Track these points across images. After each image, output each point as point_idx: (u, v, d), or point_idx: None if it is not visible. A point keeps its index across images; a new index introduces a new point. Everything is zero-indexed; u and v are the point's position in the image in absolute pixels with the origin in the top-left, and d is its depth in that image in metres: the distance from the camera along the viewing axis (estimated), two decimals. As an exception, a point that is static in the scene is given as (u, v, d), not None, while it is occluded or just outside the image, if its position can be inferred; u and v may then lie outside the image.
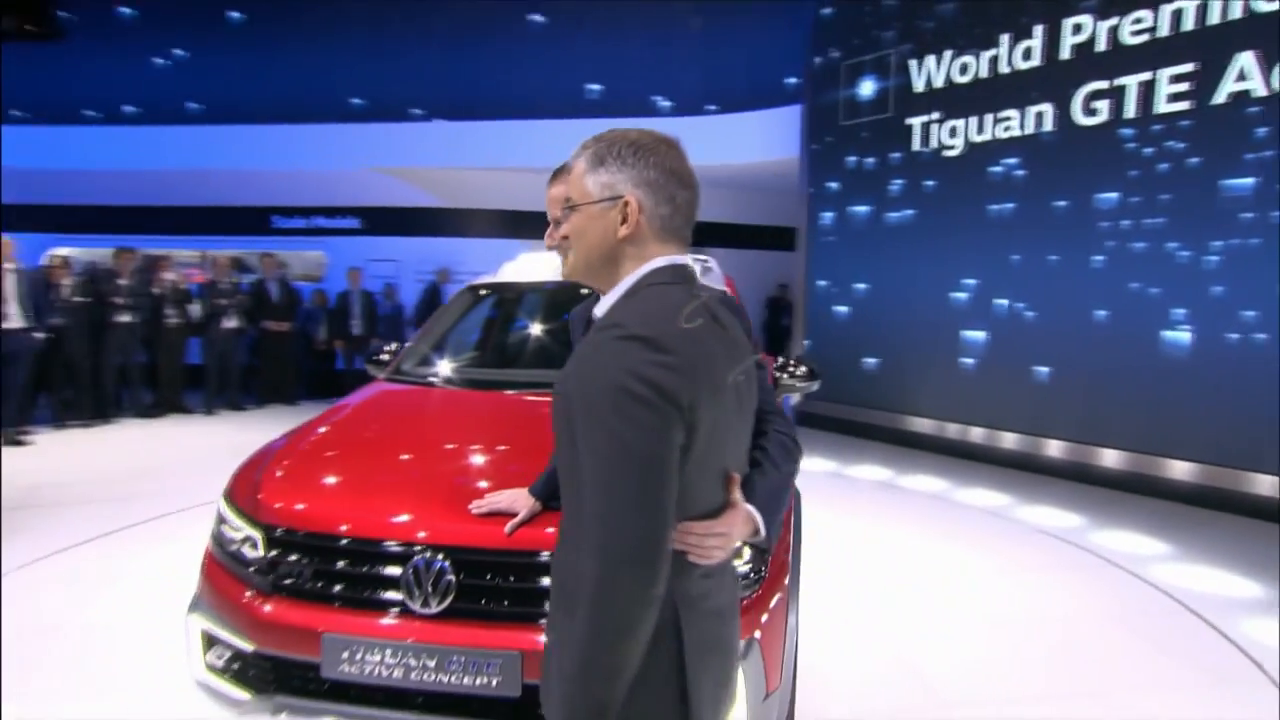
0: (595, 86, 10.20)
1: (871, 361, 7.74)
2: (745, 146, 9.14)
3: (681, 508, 1.18)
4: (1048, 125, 6.37)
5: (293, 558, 2.17)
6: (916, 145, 7.25)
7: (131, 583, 3.91)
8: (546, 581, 1.98)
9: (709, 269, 4.01)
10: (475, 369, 3.66)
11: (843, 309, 8.03)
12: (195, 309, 8.38)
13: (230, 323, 8.38)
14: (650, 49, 10.21)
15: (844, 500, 5.78)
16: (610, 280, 1.31)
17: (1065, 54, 6.26)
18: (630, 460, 1.09)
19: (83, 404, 7.72)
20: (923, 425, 7.28)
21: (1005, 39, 6.62)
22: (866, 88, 7.66)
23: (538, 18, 10.45)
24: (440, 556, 2.04)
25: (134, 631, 3.34)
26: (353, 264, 9.62)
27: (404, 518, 2.14)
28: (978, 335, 6.84)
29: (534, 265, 4.08)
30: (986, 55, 6.76)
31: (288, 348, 8.89)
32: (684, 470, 1.16)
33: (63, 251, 9.71)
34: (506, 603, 2.04)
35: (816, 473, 6.57)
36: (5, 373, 6.79)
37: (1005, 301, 6.66)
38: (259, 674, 2.16)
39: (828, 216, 8.12)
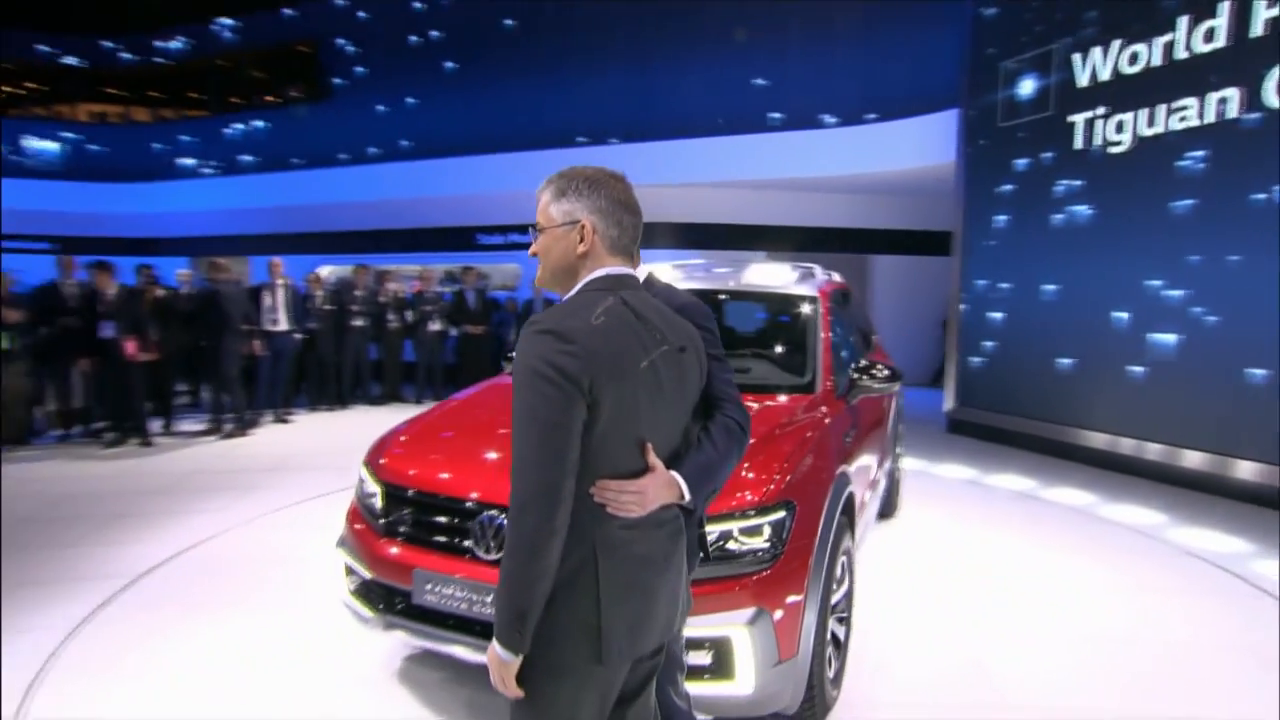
0: (759, 103, 10.37)
1: (1026, 367, 7.25)
2: (902, 153, 8.88)
3: (595, 466, 1.45)
4: (1232, 112, 5.67)
5: (399, 509, 2.72)
6: (1079, 143, 6.70)
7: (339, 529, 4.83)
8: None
9: (809, 274, 4.16)
10: None
11: (997, 314, 7.59)
12: (409, 315, 9.70)
13: (434, 326, 9.61)
14: (810, 63, 10.21)
15: (976, 508, 5.56)
16: (570, 288, 1.59)
17: (1258, 29, 5.54)
18: (537, 425, 1.39)
19: (328, 393, 9.26)
20: (1081, 436, 6.71)
21: (1184, 21, 5.97)
22: (1026, 86, 7.19)
23: (703, 43, 10.84)
24: (499, 514, 2.47)
25: (330, 564, 4.17)
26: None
27: (474, 482, 2.61)
28: (1148, 342, 6.20)
29: (659, 273, 4.45)
30: (1160, 41, 6.12)
31: (484, 348, 9.98)
32: (593, 435, 1.42)
33: (323, 270, 11.62)
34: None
35: (952, 479, 6.33)
36: (275, 367, 8.37)
37: (1179, 306, 5.98)
38: (376, 597, 2.72)
39: (983, 220, 7.71)
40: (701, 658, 2.39)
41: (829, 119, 9.96)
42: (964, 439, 7.78)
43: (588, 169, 1.62)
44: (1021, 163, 7.27)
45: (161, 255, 14.10)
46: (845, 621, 3.15)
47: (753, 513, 2.49)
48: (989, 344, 7.66)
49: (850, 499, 3.12)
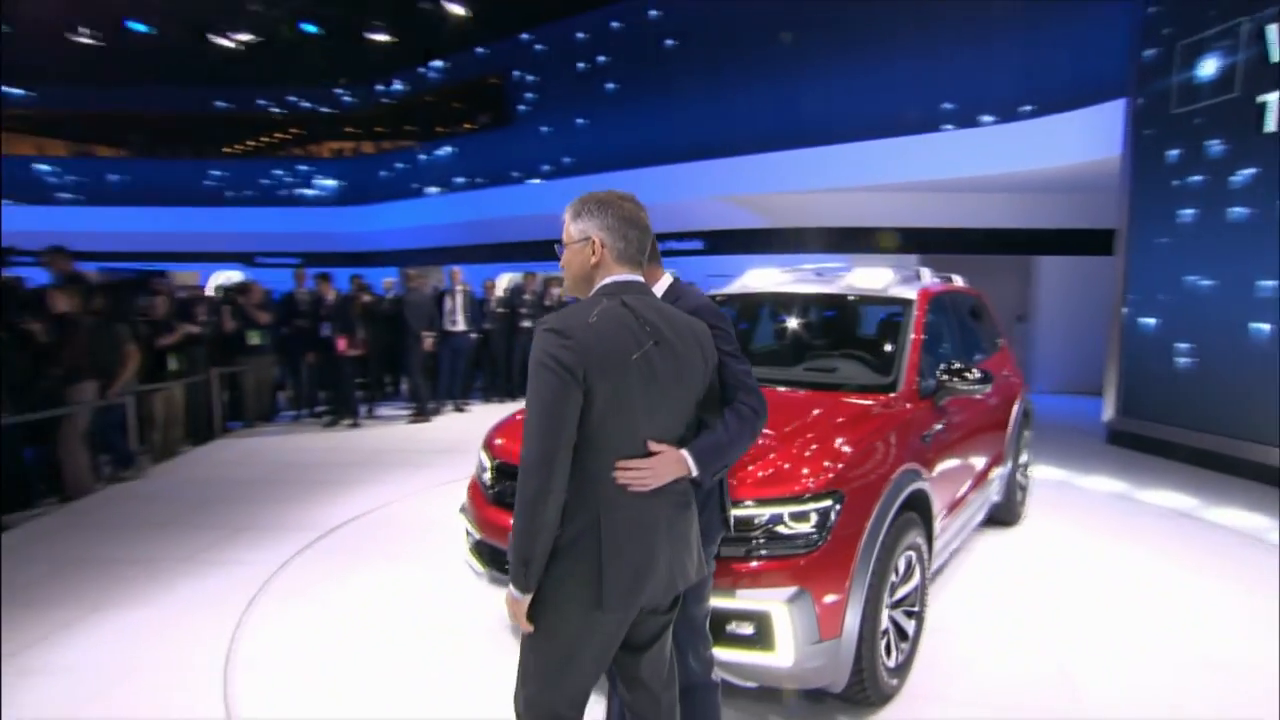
0: (912, 103, 9.98)
1: (1195, 375, 6.46)
2: (1064, 148, 8.16)
3: (597, 442, 1.71)
4: None
5: (504, 481, 3.14)
6: (1271, 125, 5.88)
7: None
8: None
9: (914, 277, 4.16)
10: None
11: (1163, 317, 6.81)
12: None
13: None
14: (964, 59, 9.66)
15: (1114, 522, 5.11)
16: (587, 294, 1.88)
17: None
18: (539, 405, 1.66)
19: (500, 386, 10.19)
20: (1257, 451, 5.89)
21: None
22: (1207, 67, 6.40)
23: (854, 46, 10.61)
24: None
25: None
26: (695, 279, 10.88)
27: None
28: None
29: (765, 278, 4.62)
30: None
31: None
32: (592, 416, 1.68)
33: (503, 277, 12.73)
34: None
35: (1097, 492, 5.83)
36: (454, 363, 9.38)
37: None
38: (485, 556, 3.16)
39: (1151, 216, 6.94)
40: (745, 628, 2.55)
41: (986, 117, 9.39)
42: (1123, 451, 7.06)
43: (601, 193, 1.88)
44: (1197, 152, 6.50)
45: (376, 266, 16.12)
46: (915, 616, 3.16)
47: (805, 499, 2.62)
48: (1154, 349, 6.91)
49: (920, 497, 3.13)
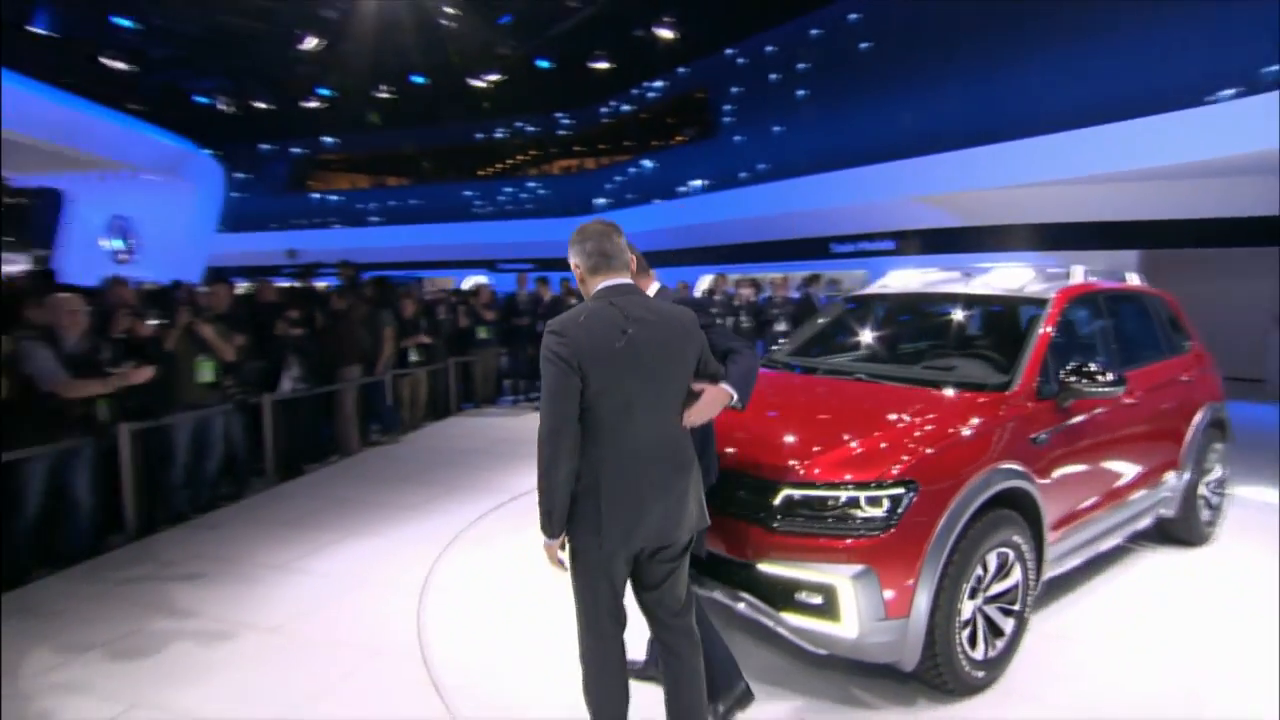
0: (1123, 87, 8.80)
1: None
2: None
3: (598, 416, 2.08)
4: None
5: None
6: None
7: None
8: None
9: (1059, 276, 3.98)
10: (814, 358, 4.23)
11: None
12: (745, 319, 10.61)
13: (780, 326, 10.35)
14: (1183, 32, 8.31)
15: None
16: None
17: None
18: (546, 390, 2.09)
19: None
20: None
21: None
22: None
23: (1050, 34, 9.55)
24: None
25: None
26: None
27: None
28: None
29: (905, 278, 4.61)
30: None
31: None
32: (588, 396, 2.06)
33: (705, 279, 13.23)
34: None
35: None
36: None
37: None
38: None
39: None
40: (815, 598, 2.73)
41: (1218, 94, 8.04)
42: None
43: (576, 230, 2.30)
44: None
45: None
46: (1014, 615, 3.09)
47: (878, 485, 2.75)
48: None
49: (1022, 496, 3.06)
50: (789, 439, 3.07)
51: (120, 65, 15.32)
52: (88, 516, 4.43)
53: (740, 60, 14.77)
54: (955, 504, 2.80)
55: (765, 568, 2.80)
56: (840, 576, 2.68)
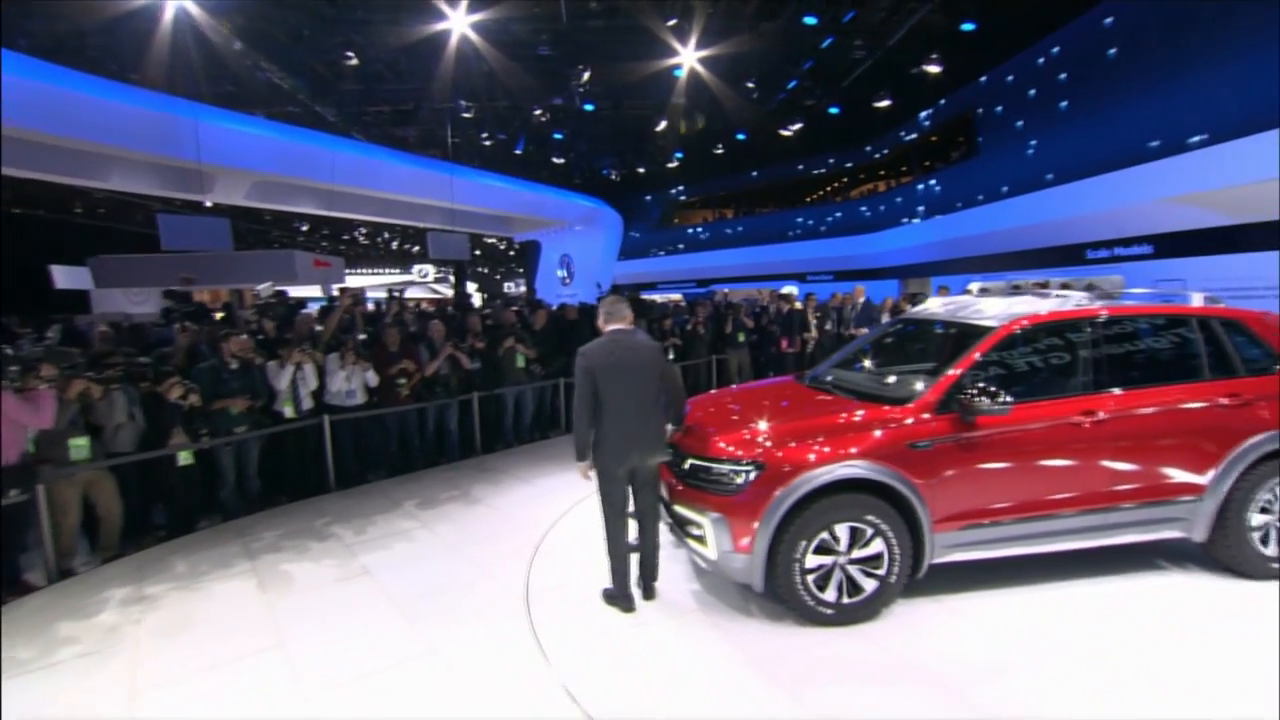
0: None
1: None
2: None
3: (602, 401, 3.40)
4: None
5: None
6: None
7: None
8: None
9: (1019, 306, 3.89)
10: (827, 371, 4.38)
11: None
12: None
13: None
14: None
15: None
16: None
17: None
18: (577, 387, 3.46)
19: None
20: None
21: None
22: None
23: None
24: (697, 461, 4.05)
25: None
26: (1145, 285, 8.52)
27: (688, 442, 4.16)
28: None
29: (928, 304, 4.56)
30: None
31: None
32: (599, 389, 3.39)
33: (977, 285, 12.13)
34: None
35: None
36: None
37: None
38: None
39: None
40: (697, 530, 3.47)
41: None
42: None
43: (605, 298, 3.61)
44: None
45: (884, 279, 16.90)
46: (877, 578, 3.33)
47: (733, 462, 3.35)
48: None
49: (888, 488, 3.28)
50: (709, 427, 3.70)
51: (560, 160, 20.25)
52: (456, 443, 7.06)
53: (1009, 79, 12.89)
54: (794, 483, 3.22)
55: (677, 507, 3.61)
56: (707, 519, 3.38)
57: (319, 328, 6.86)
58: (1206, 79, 8.23)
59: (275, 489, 5.87)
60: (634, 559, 3.68)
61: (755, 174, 23.07)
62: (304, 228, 29.03)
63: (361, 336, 6.99)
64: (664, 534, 3.83)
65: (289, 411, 5.90)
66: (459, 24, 11.12)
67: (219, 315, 9.62)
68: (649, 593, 3.71)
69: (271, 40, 11.57)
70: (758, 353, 10.77)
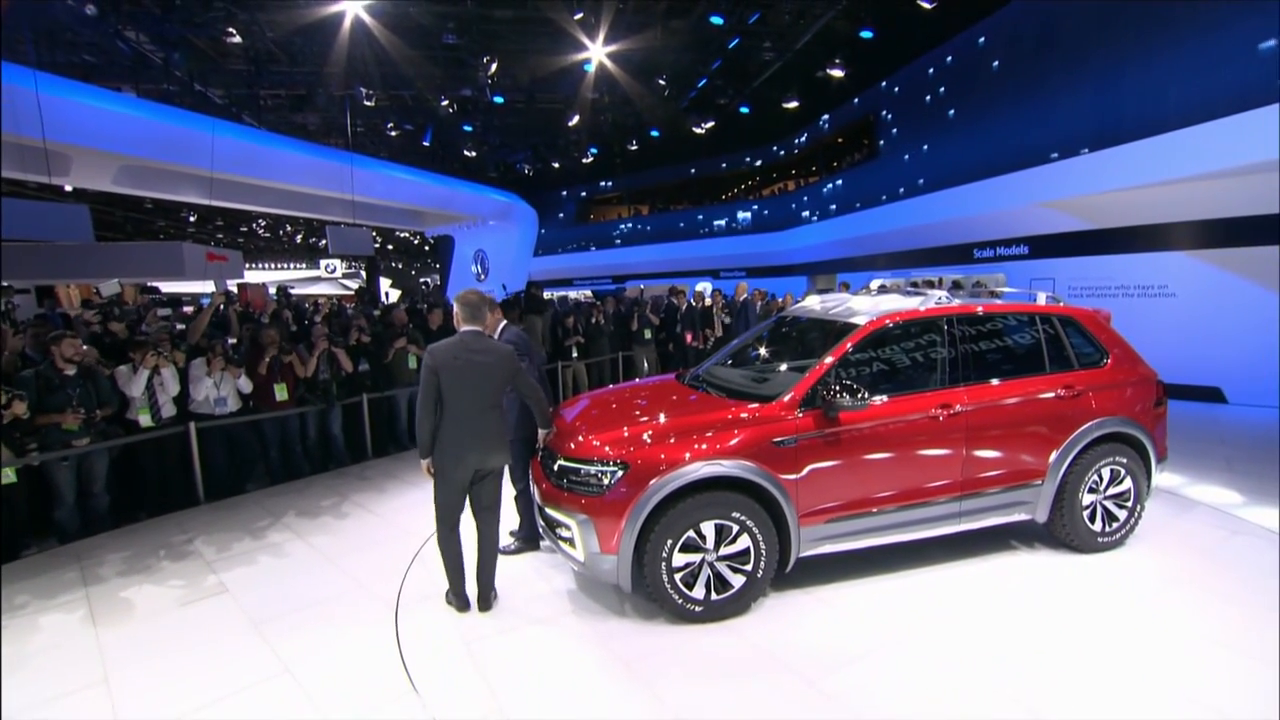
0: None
1: None
2: None
3: (447, 401, 3.26)
4: None
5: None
6: None
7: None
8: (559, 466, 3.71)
9: (895, 303, 3.98)
10: (706, 370, 4.37)
11: None
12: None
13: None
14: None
15: (1215, 551, 3.43)
16: None
17: None
18: (421, 385, 3.29)
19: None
20: None
21: None
22: None
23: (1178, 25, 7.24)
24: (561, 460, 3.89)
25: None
26: (1022, 284, 9.23)
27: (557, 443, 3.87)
28: None
29: (805, 302, 4.68)
30: None
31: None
32: (441, 389, 3.24)
33: (874, 283, 12.68)
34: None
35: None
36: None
37: None
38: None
39: None
40: (565, 532, 3.39)
41: None
42: None
43: (462, 294, 3.40)
44: None
45: (791, 276, 17.44)
46: (744, 574, 3.35)
47: (599, 462, 3.29)
48: None
49: (751, 484, 3.29)
50: (579, 426, 3.64)
51: (472, 154, 19.65)
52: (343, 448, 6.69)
53: (896, 89, 13.64)
54: (656, 482, 3.18)
55: (546, 509, 3.50)
56: (575, 520, 3.30)
57: (180, 326, 6.29)
58: (1068, 95, 8.96)
59: (132, 505, 5.34)
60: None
61: (670, 171, 23.29)
62: (192, 218, 26.84)
63: (232, 341, 6.46)
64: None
65: (146, 420, 5.38)
66: (352, 6, 10.53)
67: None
68: (484, 603, 3.56)
69: (136, 8, 10.57)
70: (664, 349, 10.85)
